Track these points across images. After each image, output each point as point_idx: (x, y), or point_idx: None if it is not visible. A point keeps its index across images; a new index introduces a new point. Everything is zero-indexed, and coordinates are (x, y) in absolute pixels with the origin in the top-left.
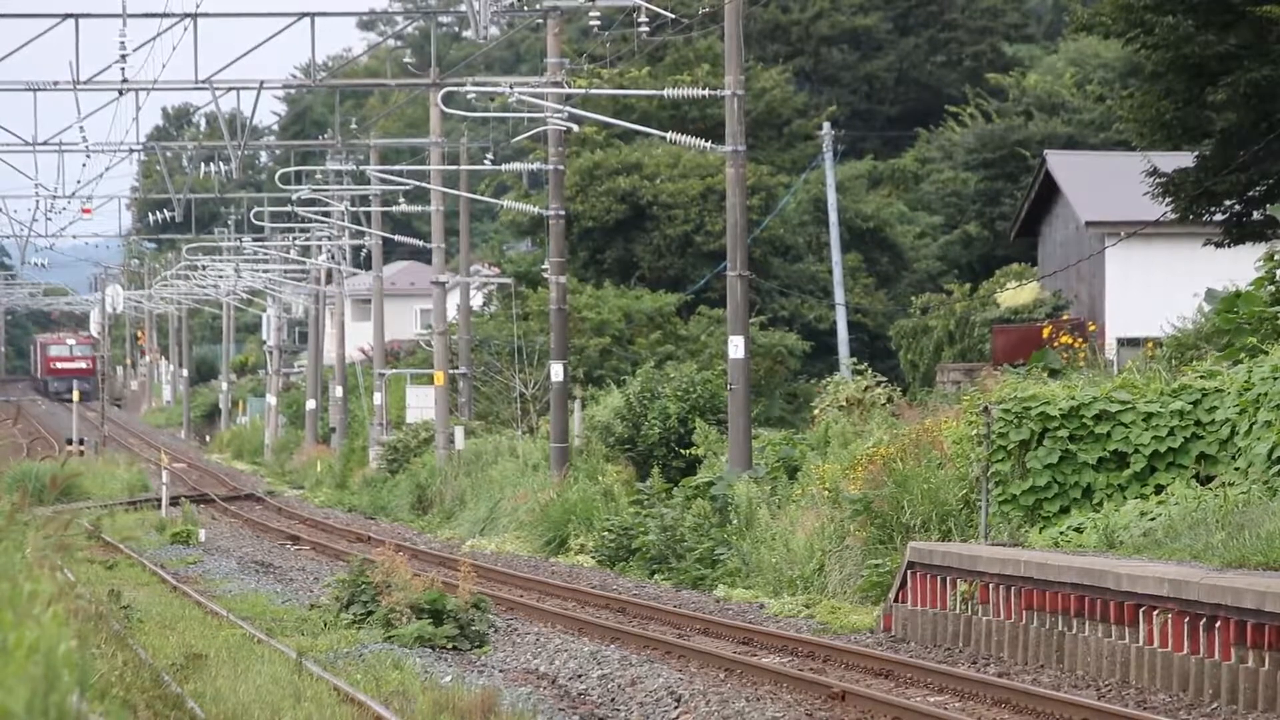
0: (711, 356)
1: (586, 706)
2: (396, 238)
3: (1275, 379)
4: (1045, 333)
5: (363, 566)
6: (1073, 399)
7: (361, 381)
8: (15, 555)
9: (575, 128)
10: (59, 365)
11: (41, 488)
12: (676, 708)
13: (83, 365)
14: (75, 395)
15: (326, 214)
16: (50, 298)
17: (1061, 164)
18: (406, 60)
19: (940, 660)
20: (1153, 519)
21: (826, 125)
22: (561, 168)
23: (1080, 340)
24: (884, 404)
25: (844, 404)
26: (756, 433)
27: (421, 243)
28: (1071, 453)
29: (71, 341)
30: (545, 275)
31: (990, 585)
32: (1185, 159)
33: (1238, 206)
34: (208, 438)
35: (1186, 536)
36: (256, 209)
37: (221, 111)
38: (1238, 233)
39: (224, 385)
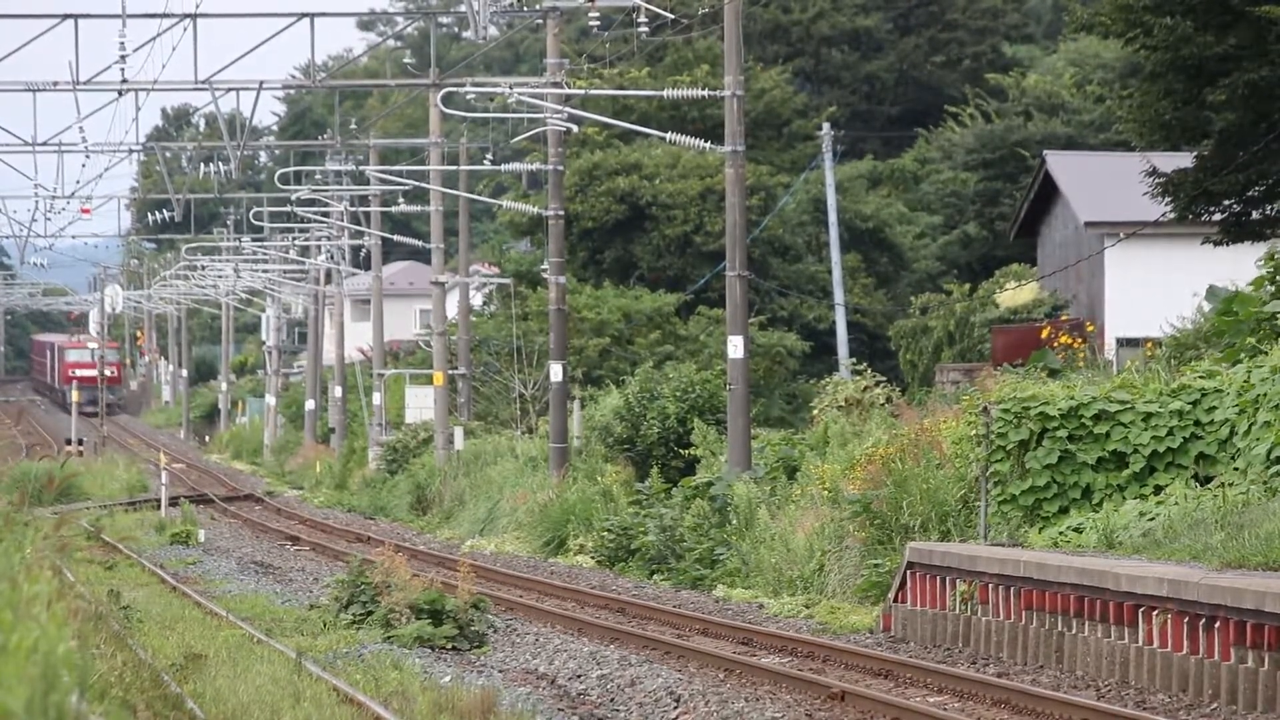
0: (711, 356)
1: (586, 707)
2: (396, 238)
3: (1275, 379)
4: (1044, 333)
5: (362, 567)
6: (1072, 399)
7: (361, 382)
8: (15, 555)
9: (575, 128)
10: (80, 373)
11: (40, 488)
12: (676, 708)
13: (107, 372)
14: (75, 395)
15: (326, 214)
16: (50, 298)
17: (1061, 164)
18: (406, 60)
19: (940, 660)
20: (1152, 519)
21: (826, 125)
22: (561, 168)
23: (1079, 340)
24: (883, 404)
25: (843, 404)
26: (756, 433)
27: (421, 243)
28: (1071, 453)
29: (93, 345)
30: (544, 275)
31: (990, 585)
32: (1185, 159)
33: (1237, 206)
34: (207, 438)
35: (1186, 537)
36: (256, 209)
37: (221, 112)
38: (1236, 232)
39: (223, 385)
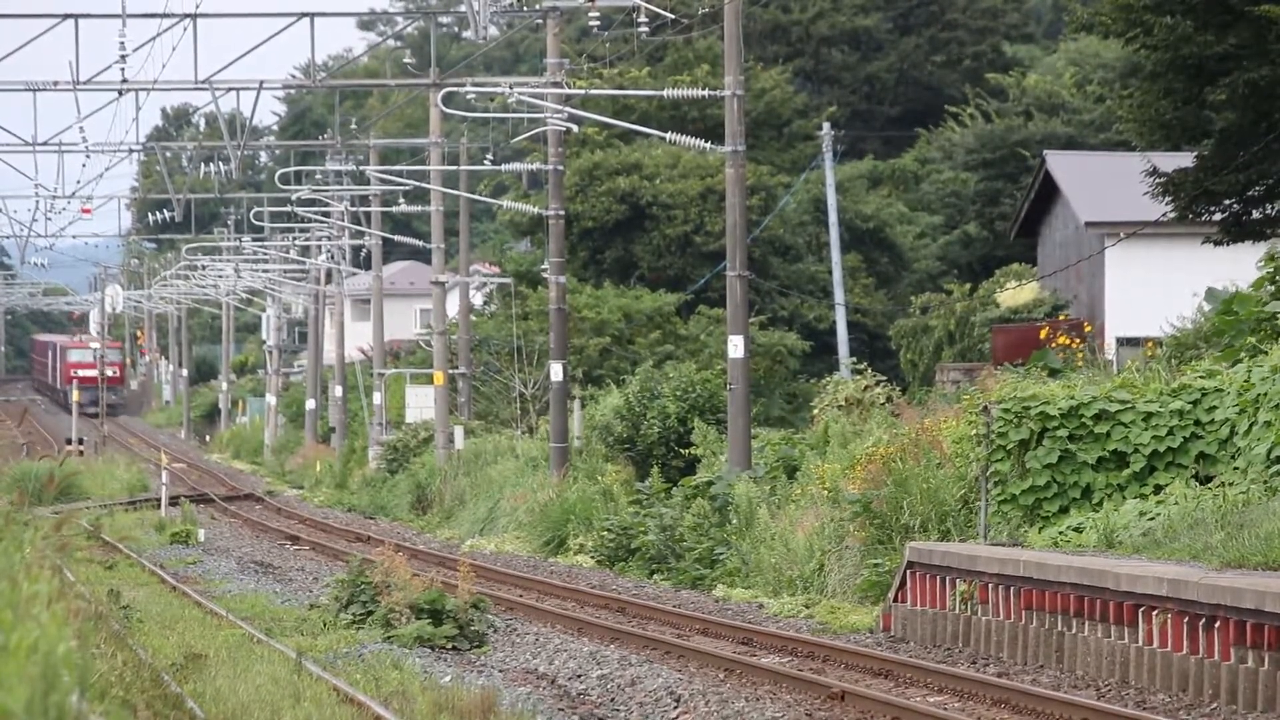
0: (711, 356)
1: (586, 706)
2: (396, 238)
3: (1275, 379)
4: (1043, 333)
5: (362, 566)
6: (1072, 399)
7: (361, 381)
8: (15, 555)
9: (575, 128)
10: (82, 373)
11: (40, 488)
12: (676, 708)
13: (110, 373)
14: (76, 395)
15: (326, 214)
16: (50, 298)
17: (1061, 164)
18: (406, 60)
19: (940, 660)
20: (1152, 519)
21: (826, 125)
22: (561, 168)
23: (1078, 340)
24: (883, 404)
25: (843, 404)
26: (756, 432)
27: (421, 243)
28: (1071, 452)
29: (96, 345)
30: (545, 275)
31: (989, 585)
32: (1185, 159)
33: (1237, 206)
34: (207, 438)
35: (1186, 536)
36: (256, 209)
37: (221, 112)
38: (1236, 232)
39: (224, 385)
